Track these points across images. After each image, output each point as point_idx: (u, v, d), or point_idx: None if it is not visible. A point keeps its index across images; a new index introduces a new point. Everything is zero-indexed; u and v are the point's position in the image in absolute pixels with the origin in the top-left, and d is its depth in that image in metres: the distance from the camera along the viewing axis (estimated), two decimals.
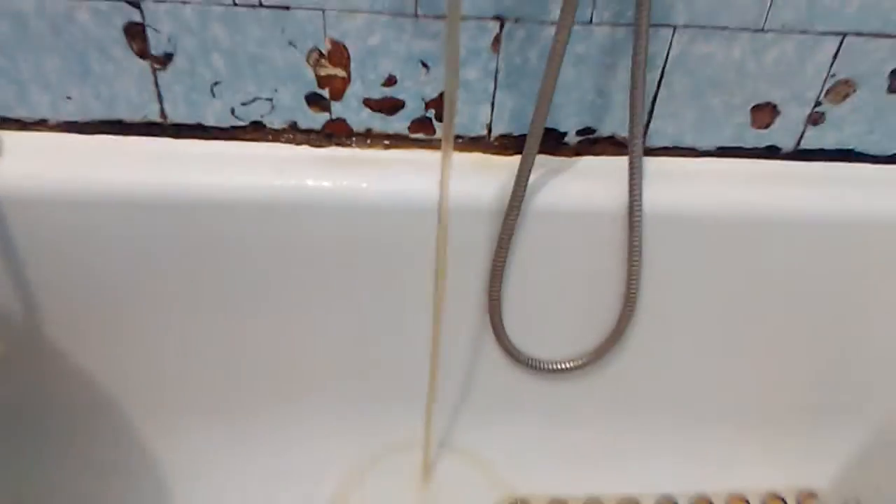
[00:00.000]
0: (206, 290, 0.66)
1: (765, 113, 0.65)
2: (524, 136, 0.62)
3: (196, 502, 0.74)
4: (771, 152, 0.68)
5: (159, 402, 0.74)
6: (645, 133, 0.66)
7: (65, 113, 0.62)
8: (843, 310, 0.71)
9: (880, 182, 0.68)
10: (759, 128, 0.66)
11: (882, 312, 0.71)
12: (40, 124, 0.63)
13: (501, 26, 0.59)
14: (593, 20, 0.59)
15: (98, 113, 0.62)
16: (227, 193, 0.61)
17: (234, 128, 0.64)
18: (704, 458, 0.78)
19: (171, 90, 0.61)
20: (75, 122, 0.63)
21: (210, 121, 0.63)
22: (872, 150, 0.68)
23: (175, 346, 0.70)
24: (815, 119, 0.66)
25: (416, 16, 0.58)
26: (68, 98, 0.61)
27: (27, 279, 0.64)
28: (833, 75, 0.63)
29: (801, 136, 0.67)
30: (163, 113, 0.62)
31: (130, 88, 0.61)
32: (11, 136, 0.62)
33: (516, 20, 0.58)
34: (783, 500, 0.77)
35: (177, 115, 0.62)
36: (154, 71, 0.60)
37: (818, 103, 0.65)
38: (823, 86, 0.64)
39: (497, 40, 0.59)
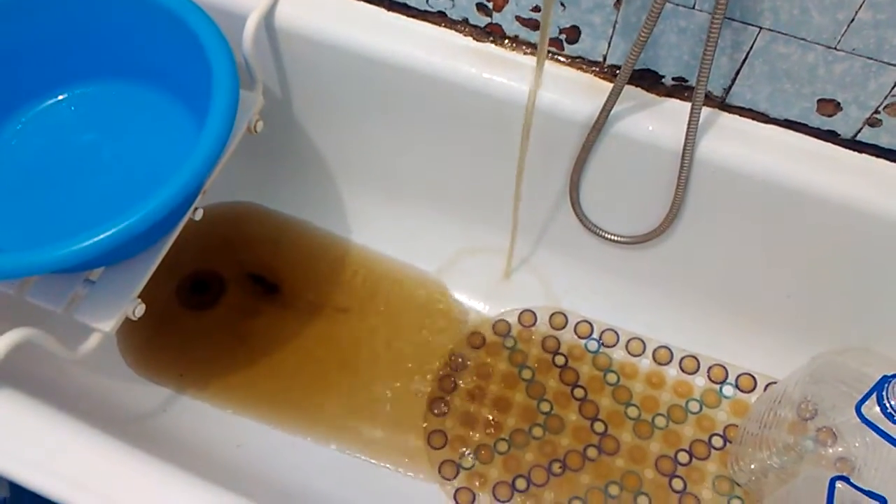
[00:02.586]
0: (383, 112, 0.98)
1: (829, 106, 0.78)
2: None
3: (360, 237, 1.14)
4: (831, 136, 0.82)
5: (347, 170, 1.12)
6: (727, 94, 0.82)
7: None
8: (850, 275, 0.88)
9: None
10: (823, 115, 0.80)
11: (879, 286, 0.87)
12: None
13: None
14: (695, 7, 0.74)
15: None
16: (410, 60, 0.89)
17: (426, 12, 0.89)
18: (706, 330, 1.03)
19: None
20: None
21: (411, 3, 0.89)
22: None
23: (361, 142, 1.05)
24: (873, 122, 0.78)
25: None
26: None
27: (288, 81, 0.99)
28: (894, 95, 0.74)
29: (859, 131, 0.80)
30: None
31: None
32: None
33: None
34: (753, 377, 1.02)
35: None
36: None
37: (877, 111, 0.76)
38: (883, 101, 0.75)
39: (618, 2, 0.77)
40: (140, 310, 0.80)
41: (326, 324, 1.10)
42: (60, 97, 0.88)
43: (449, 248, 1.12)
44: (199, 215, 0.84)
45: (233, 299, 1.12)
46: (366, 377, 1.06)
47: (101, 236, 0.67)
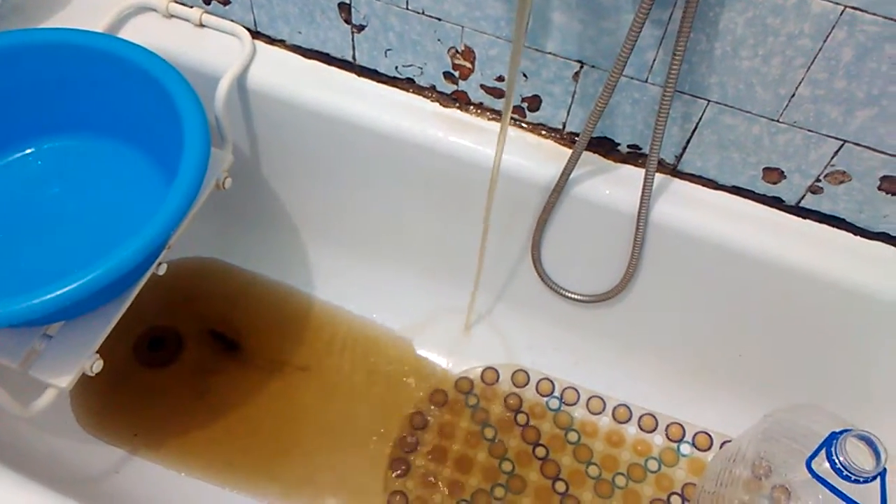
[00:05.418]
0: (351, 173, 1.00)
1: (774, 174, 0.83)
2: None
3: (324, 294, 1.15)
4: (776, 202, 0.86)
5: (313, 228, 1.13)
6: (678, 161, 0.87)
7: (296, 40, 0.94)
8: (796, 335, 0.92)
9: (859, 254, 0.85)
10: (768, 183, 0.85)
11: (819, 347, 0.91)
12: (279, 42, 0.96)
13: (581, 66, 0.81)
14: (648, 81, 0.79)
15: (316, 45, 0.94)
16: (379, 123, 0.92)
17: (395, 78, 0.93)
18: (663, 387, 1.06)
19: (361, 46, 0.91)
20: (300, 47, 0.95)
21: (381, 70, 0.93)
22: (860, 225, 0.84)
23: (328, 201, 1.06)
24: (815, 190, 0.83)
25: (525, 47, 0.81)
26: (299, 32, 0.93)
27: (257, 140, 1.01)
28: (833, 165, 0.79)
29: (802, 198, 0.85)
30: (354, 57, 0.93)
31: (337, 38, 0.91)
32: (261, 46, 0.96)
33: (592, 66, 0.80)
34: (709, 435, 1.04)
35: (362, 61, 0.93)
36: (352, 32, 0.89)
37: (818, 179, 0.82)
38: (823, 170, 0.80)
39: (577, 74, 0.82)
40: (98, 365, 0.78)
41: (286, 382, 1.09)
42: (28, 151, 0.88)
43: (412, 304, 1.13)
44: (162, 270, 0.84)
45: (191, 356, 1.10)
46: (325, 436, 1.04)
47: (62, 290, 0.66)
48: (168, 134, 0.81)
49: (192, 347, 1.10)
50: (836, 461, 0.69)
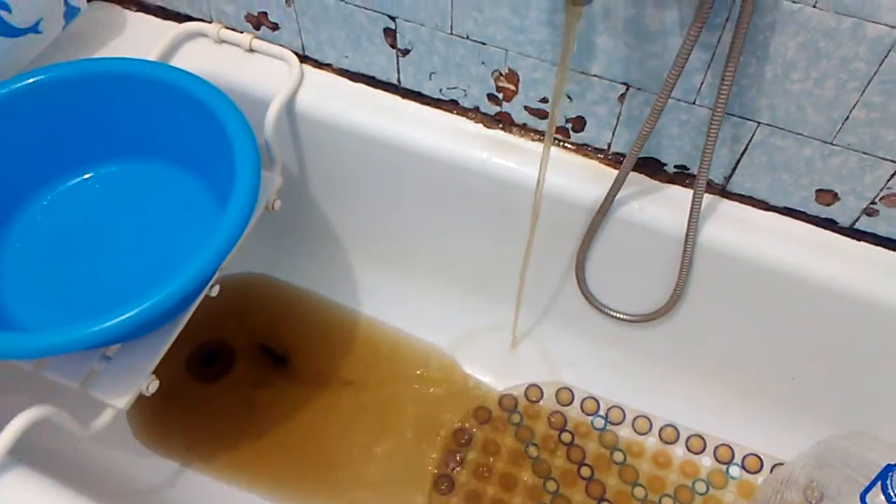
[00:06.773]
0: (396, 193, 1.01)
1: (827, 196, 0.81)
2: None
3: (369, 310, 1.16)
4: (829, 224, 0.84)
5: (359, 246, 1.15)
6: (727, 182, 0.86)
7: (343, 64, 0.96)
8: (850, 359, 0.89)
9: None
10: (822, 204, 0.83)
11: (872, 373, 0.88)
12: (326, 66, 0.97)
13: (627, 88, 0.80)
14: (696, 102, 0.78)
15: (362, 69, 0.95)
16: (423, 144, 0.93)
17: (439, 100, 0.94)
18: (711, 408, 1.04)
19: (406, 70, 0.92)
20: (347, 70, 0.97)
21: (426, 92, 0.93)
22: None
23: (373, 220, 1.08)
24: (870, 212, 0.81)
25: (570, 69, 0.81)
26: (346, 56, 0.94)
27: (304, 161, 1.03)
28: (889, 188, 0.77)
29: (857, 220, 0.82)
30: (399, 80, 0.94)
31: (382, 61, 0.92)
32: (308, 70, 0.98)
33: (638, 88, 0.80)
34: (759, 458, 1.02)
35: (407, 83, 0.94)
36: (397, 56, 0.90)
37: (874, 202, 0.79)
38: (879, 192, 0.78)
39: (622, 96, 0.81)
40: (154, 386, 0.81)
41: (333, 396, 1.10)
42: (86, 176, 0.92)
43: (457, 321, 1.14)
44: (215, 291, 0.86)
45: (242, 370, 1.13)
46: (370, 452, 1.06)
47: (122, 318, 0.69)
48: (220, 159, 0.83)
49: (243, 361, 1.13)
50: (892, 495, 0.67)
